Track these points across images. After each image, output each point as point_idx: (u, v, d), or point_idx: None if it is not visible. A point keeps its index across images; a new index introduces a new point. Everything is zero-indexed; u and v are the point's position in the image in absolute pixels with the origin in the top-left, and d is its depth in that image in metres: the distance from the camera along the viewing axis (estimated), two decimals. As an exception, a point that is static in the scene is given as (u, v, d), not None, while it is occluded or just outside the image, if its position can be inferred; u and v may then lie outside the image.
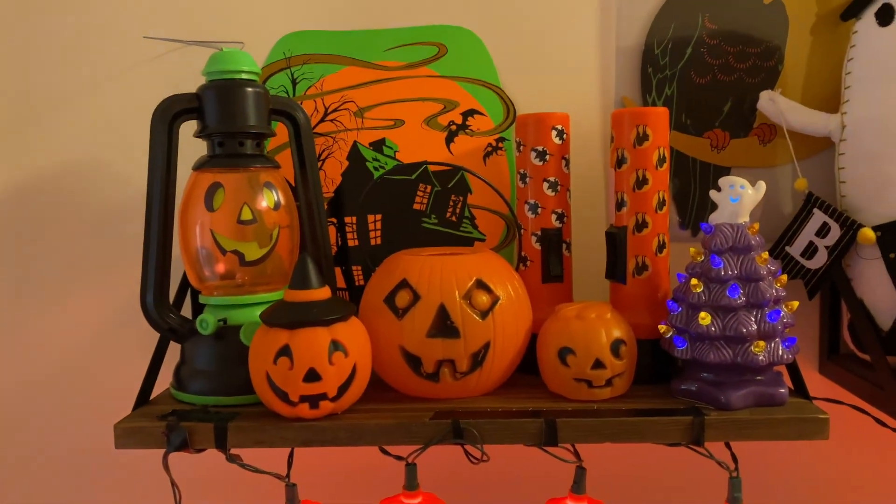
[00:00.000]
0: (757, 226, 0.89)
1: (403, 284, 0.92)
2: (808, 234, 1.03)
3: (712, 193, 0.92)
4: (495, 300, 0.91)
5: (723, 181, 0.91)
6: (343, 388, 0.86)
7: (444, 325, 0.89)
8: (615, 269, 1.01)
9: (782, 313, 0.86)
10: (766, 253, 0.88)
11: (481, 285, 0.91)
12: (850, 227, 0.99)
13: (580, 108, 1.12)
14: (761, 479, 1.23)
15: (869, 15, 0.99)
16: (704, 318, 0.87)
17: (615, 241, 1.00)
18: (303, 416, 0.86)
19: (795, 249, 1.05)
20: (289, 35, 1.14)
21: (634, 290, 0.99)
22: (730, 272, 0.87)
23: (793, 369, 0.94)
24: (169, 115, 0.94)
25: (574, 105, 1.11)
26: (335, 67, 1.13)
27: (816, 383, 1.14)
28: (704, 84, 1.11)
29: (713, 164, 1.13)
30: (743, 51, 1.10)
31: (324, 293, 0.87)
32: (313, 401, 0.84)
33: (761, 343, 0.85)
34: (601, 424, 0.85)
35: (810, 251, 1.03)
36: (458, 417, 0.86)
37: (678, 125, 1.13)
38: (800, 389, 0.92)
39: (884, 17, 0.97)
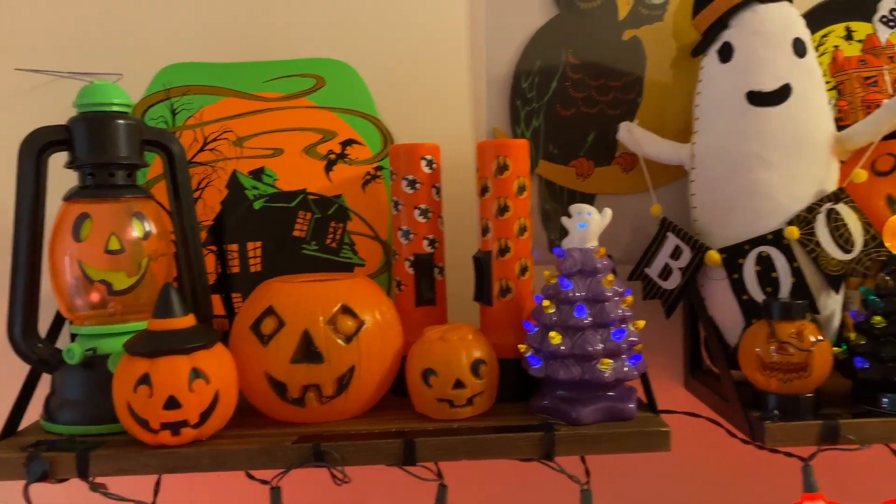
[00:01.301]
0: (603, 250, 0.95)
1: (269, 311, 0.94)
2: (663, 256, 1.10)
3: (564, 220, 0.97)
4: (360, 325, 0.94)
5: (572, 208, 0.96)
6: (205, 415, 0.87)
7: (308, 351, 0.92)
8: (482, 291, 1.05)
9: (626, 332, 0.92)
10: (612, 275, 0.93)
11: (346, 310, 0.94)
12: (699, 250, 1.05)
13: (454, 139, 1.17)
14: (617, 491, 1.29)
15: (713, 52, 1.07)
16: (555, 338, 0.91)
17: (481, 265, 1.05)
18: (165, 444, 0.87)
19: (653, 271, 1.11)
20: (168, 67, 1.15)
21: (499, 311, 1.04)
22: (578, 293, 0.93)
23: (644, 384, 1.00)
24: (36, 147, 0.95)
25: (448, 135, 1.16)
26: (214, 98, 1.16)
27: (681, 398, 1.21)
28: (569, 116, 1.18)
29: (579, 191, 1.19)
30: (605, 84, 1.17)
31: (186, 321, 0.89)
32: (174, 428, 0.86)
33: (607, 360, 0.91)
34: (458, 442, 0.89)
35: (666, 272, 1.10)
36: (321, 440, 0.89)
37: (546, 155, 1.19)
38: (650, 404, 0.98)
39: (724, 54, 1.05)
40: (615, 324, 0.92)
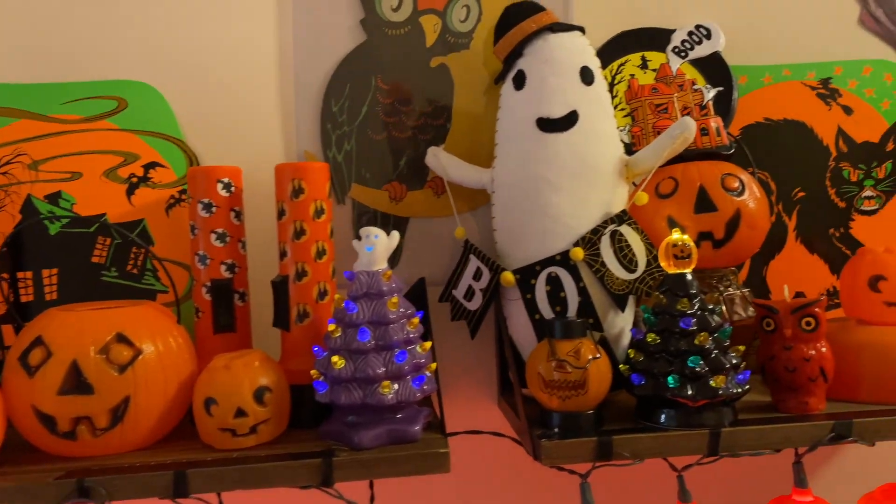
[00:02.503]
0: (390, 272, 0.96)
1: (38, 342, 0.90)
2: (467, 278, 1.12)
3: (354, 243, 0.97)
4: (137, 354, 0.91)
5: (361, 231, 0.97)
6: (-44, 453, 0.82)
7: (77, 382, 0.88)
8: (279, 316, 1.04)
9: (408, 355, 0.92)
10: (397, 297, 0.94)
11: (122, 339, 0.91)
12: (496, 271, 1.07)
13: (265, 162, 1.15)
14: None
15: (509, 79, 1.10)
16: (337, 362, 0.91)
17: (278, 289, 1.03)
18: (-90, 486, 0.81)
19: (459, 292, 1.12)
20: (-43, 86, 1.10)
21: (298, 336, 1.03)
22: (362, 317, 0.93)
23: (440, 405, 1.00)
24: None
25: (258, 158, 1.15)
26: (8, 120, 1.11)
27: (495, 417, 1.22)
28: (381, 140, 1.19)
29: (393, 214, 1.20)
30: (414, 110, 1.19)
31: (-63, 354, 0.84)
32: (-82, 469, 0.81)
33: (388, 383, 0.91)
34: (232, 472, 0.86)
35: (470, 294, 1.11)
36: (90, 475, 0.85)
37: (359, 178, 1.19)
38: (441, 426, 0.98)
39: (518, 82, 1.08)
40: (399, 346, 0.93)
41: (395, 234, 0.97)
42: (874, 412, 0.98)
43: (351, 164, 1.18)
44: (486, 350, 1.23)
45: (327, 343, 0.94)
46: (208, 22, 1.16)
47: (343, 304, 0.94)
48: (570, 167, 1.05)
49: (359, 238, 0.97)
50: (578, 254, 1.02)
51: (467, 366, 1.24)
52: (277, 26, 1.17)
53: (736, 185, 1.08)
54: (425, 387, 0.94)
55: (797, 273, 1.24)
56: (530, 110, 1.06)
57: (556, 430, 0.94)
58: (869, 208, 1.24)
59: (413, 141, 1.19)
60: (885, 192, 1.24)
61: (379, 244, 0.96)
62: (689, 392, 0.92)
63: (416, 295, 1.17)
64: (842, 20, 1.27)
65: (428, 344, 0.95)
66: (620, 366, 1.00)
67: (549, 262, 1.04)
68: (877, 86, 1.24)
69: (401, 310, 0.94)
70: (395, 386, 0.91)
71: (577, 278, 1.03)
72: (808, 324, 0.98)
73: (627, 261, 1.04)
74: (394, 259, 1.20)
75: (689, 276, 0.97)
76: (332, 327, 0.94)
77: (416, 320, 0.95)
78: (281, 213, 1.03)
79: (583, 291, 1.03)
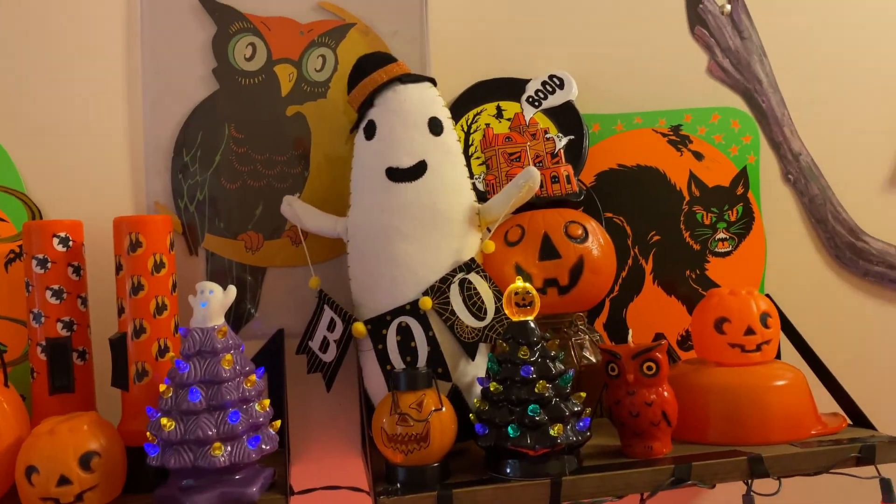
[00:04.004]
0: (226, 328, 0.93)
1: None
2: (322, 329, 1.10)
3: (190, 298, 0.94)
4: (-51, 422, 0.86)
5: (197, 286, 0.94)
6: None
7: None
8: (118, 375, 1.00)
9: (243, 415, 0.90)
10: (231, 355, 0.91)
11: (-68, 407, 0.86)
12: (348, 322, 1.06)
13: (112, 215, 1.11)
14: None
15: (361, 129, 1.10)
16: (167, 424, 0.87)
17: (115, 347, 0.99)
18: None
19: (315, 344, 1.10)
20: None
21: (138, 396, 0.99)
22: (194, 376, 0.90)
23: (286, 464, 0.98)
24: None
25: (106, 211, 1.10)
26: None
27: (361, 471, 1.19)
28: (235, 189, 1.17)
29: (249, 264, 1.18)
30: (270, 158, 1.18)
31: None
32: None
33: (219, 445, 0.88)
34: (48, 547, 0.82)
35: (325, 345, 1.09)
36: None
37: (213, 229, 1.16)
38: (284, 484, 0.96)
39: (369, 132, 1.08)
40: (232, 405, 0.90)
41: (232, 289, 0.94)
42: (714, 454, 1.00)
43: (204, 214, 1.16)
44: (353, 401, 1.21)
45: (159, 404, 0.91)
46: (54, 73, 1.13)
47: (174, 364, 0.91)
48: (420, 216, 1.05)
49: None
50: (427, 303, 1.02)
51: (334, 417, 1.22)
52: (126, 76, 1.15)
53: (579, 232, 1.10)
54: (263, 446, 0.91)
55: (656, 315, 1.27)
56: (380, 160, 1.07)
57: (399, 485, 0.93)
58: (723, 250, 1.28)
59: (269, 189, 1.17)
60: (738, 234, 1.28)
61: (213, 299, 0.93)
62: (529, 441, 0.92)
63: (274, 347, 1.15)
64: (691, 69, 1.33)
65: (266, 402, 0.93)
66: (470, 415, 1.00)
67: (400, 311, 1.03)
68: (725, 132, 1.29)
69: (236, 367, 0.91)
70: (228, 447, 0.88)
71: (427, 327, 1.02)
72: (650, 368, 1.00)
73: (476, 308, 1.04)
74: (250, 309, 1.18)
75: (532, 324, 0.97)
76: (163, 387, 0.90)
77: (253, 377, 0.93)
78: (118, 268, 1.00)
79: (432, 341, 1.02)
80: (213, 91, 1.16)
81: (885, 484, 1.02)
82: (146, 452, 0.90)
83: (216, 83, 1.16)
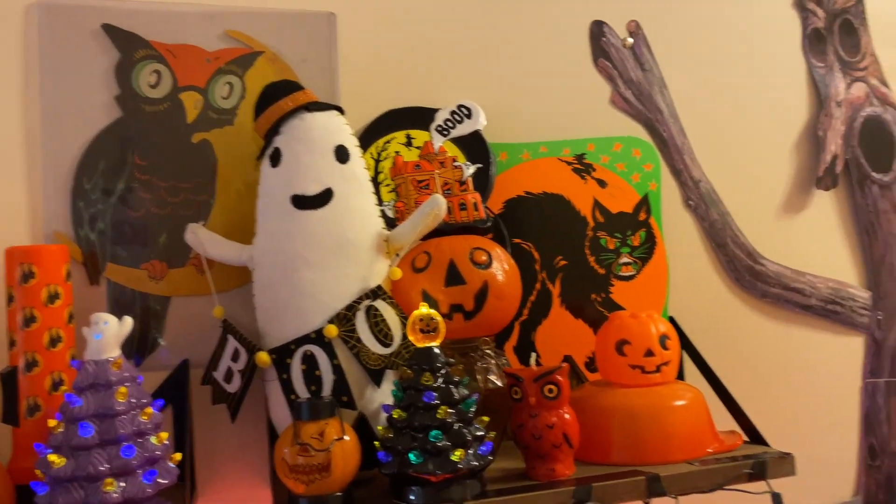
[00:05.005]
0: (121, 360, 0.91)
1: None
2: (226, 359, 1.08)
3: (84, 330, 0.92)
4: None
5: (91, 318, 0.92)
6: None
7: None
8: (8, 411, 0.96)
9: (137, 449, 0.88)
10: (125, 388, 0.89)
11: None
12: (252, 351, 1.05)
13: (8, 244, 1.07)
14: None
15: (267, 156, 1.10)
16: (56, 461, 0.84)
17: (6, 382, 0.96)
18: None
19: (219, 374, 1.09)
20: None
21: (29, 431, 0.96)
22: (86, 410, 0.87)
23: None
24: None
25: (2, 240, 1.07)
26: None
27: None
28: (139, 217, 1.15)
29: (153, 294, 1.15)
30: (175, 186, 1.16)
31: None
32: None
33: (111, 480, 0.85)
34: None
35: (229, 376, 1.08)
36: None
37: (115, 258, 1.14)
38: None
39: (274, 159, 1.08)
40: (127, 439, 0.87)
41: (128, 321, 0.92)
42: (615, 475, 1.02)
43: (105, 242, 1.13)
44: (260, 432, 1.19)
45: (50, 440, 0.88)
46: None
47: (66, 398, 0.88)
48: (326, 244, 1.05)
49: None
50: (332, 331, 1.02)
51: (241, 448, 1.20)
52: (23, 102, 1.12)
53: (484, 258, 1.12)
54: (160, 480, 0.89)
55: (564, 338, 1.29)
56: (286, 187, 1.07)
57: (301, 516, 0.92)
58: (626, 274, 1.32)
59: (174, 217, 1.16)
60: (641, 258, 1.33)
61: (108, 331, 0.91)
62: (431, 467, 0.92)
63: (179, 378, 1.12)
64: (594, 100, 1.38)
65: (165, 434, 0.91)
66: (376, 443, 0.99)
67: (305, 340, 1.03)
68: (627, 160, 1.34)
69: (131, 400, 0.89)
70: (122, 483, 0.86)
71: (332, 355, 1.02)
72: (551, 391, 1.02)
73: (383, 335, 1.04)
74: (157, 339, 1.15)
75: (436, 350, 0.98)
76: (53, 423, 0.87)
77: (149, 410, 0.90)
78: (10, 300, 0.96)
79: (337, 369, 1.02)
80: (116, 118, 1.14)
81: (775, 498, 1.06)
82: (35, 491, 0.87)
83: (119, 110, 1.14)
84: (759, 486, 1.07)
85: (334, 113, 1.12)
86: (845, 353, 1.49)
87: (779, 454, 1.08)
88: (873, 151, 1.52)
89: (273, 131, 1.10)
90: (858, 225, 1.51)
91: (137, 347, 1.14)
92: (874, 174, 1.52)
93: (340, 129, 1.11)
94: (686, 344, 1.26)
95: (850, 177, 1.51)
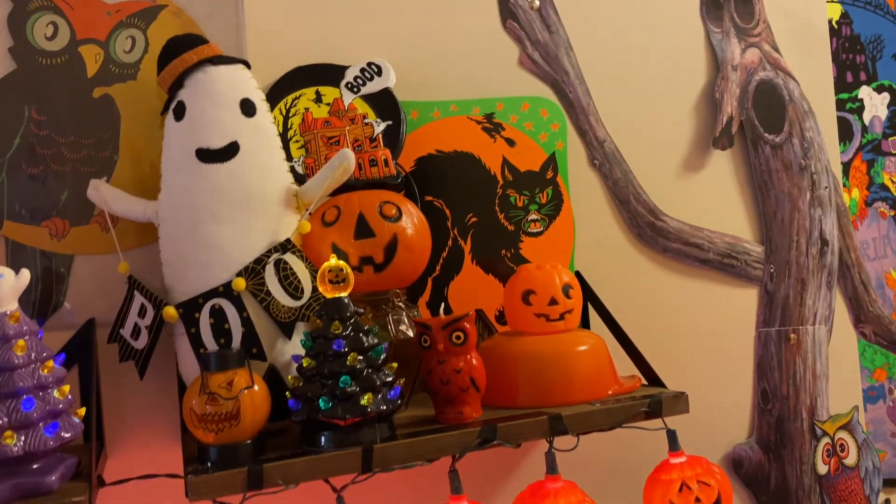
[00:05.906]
0: (18, 314, 0.89)
1: None
2: (133, 315, 1.07)
3: (-24, 284, 0.90)
4: None
5: (-17, 271, 0.90)
6: None
7: None
8: None
9: (37, 402, 0.86)
10: (24, 341, 0.87)
11: None
12: (159, 306, 1.04)
13: None
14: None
15: (171, 111, 1.08)
16: (-48, 416, 0.83)
17: None
18: None
19: (126, 331, 1.07)
20: None
21: (-78, 392, 0.93)
22: (-18, 364, 0.86)
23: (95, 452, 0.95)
24: None
25: None
26: None
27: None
28: (37, 174, 1.12)
29: (56, 252, 1.13)
30: (76, 141, 1.13)
31: None
32: None
33: (10, 433, 0.84)
34: None
35: (136, 332, 1.07)
36: None
37: (12, 215, 1.11)
38: (90, 472, 0.93)
39: (178, 113, 1.07)
40: (26, 392, 0.86)
41: (25, 273, 0.90)
42: (520, 416, 1.07)
43: (2, 200, 1.10)
44: (170, 388, 1.18)
45: (-55, 395, 0.86)
46: None
47: (-35, 352, 0.86)
48: (232, 197, 1.05)
49: (-16, 278, 0.90)
50: (240, 284, 1.02)
51: (152, 406, 1.19)
52: None
53: (393, 212, 1.14)
54: (63, 433, 0.88)
55: (476, 292, 1.32)
56: (190, 141, 1.05)
57: (209, 464, 0.93)
58: (535, 230, 1.36)
59: (75, 174, 1.13)
60: (548, 215, 1.37)
61: (4, 283, 0.88)
62: (340, 412, 0.94)
63: (84, 337, 1.11)
64: (503, 61, 1.40)
65: (66, 388, 0.90)
66: (287, 393, 1.01)
67: (213, 294, 1.03)
68: (535, 120, 1.38)
69: (31, 354, 0.88)
70: (22, 436, 0.85)
71: (241, 309, 1.02)
72: (458, 338, 1.05)
73: (293, 288, 1.05)
74: (60, 299, 1.13)
75: (345, 300, 1.00)
76: (-50, 377, 0.85)
77: (50, 363, 0.89)
78: None
79: (247, 322, 1.02)
80: (10, 71, 1.10)
81: (670, 435, 1.13)
82: (-69, 446, 0.85)
83: (13, 63, 1.10)
84: (655, 423, 1.14)
85: (240, 66, 1.11)
86: (740, 304, 1.57)
87: (673, 393, 1.15)
88: (766, 113, 1.60)
89: (177, 85, 1.08)
90: (752, 183, 1.60)
91: (40, 309, 1.12)
92: (766, 135, 1.60)
93: (246, 82, 1.10)
94: (591, 296, 1.31)
95: (745, 137, 1.59)
